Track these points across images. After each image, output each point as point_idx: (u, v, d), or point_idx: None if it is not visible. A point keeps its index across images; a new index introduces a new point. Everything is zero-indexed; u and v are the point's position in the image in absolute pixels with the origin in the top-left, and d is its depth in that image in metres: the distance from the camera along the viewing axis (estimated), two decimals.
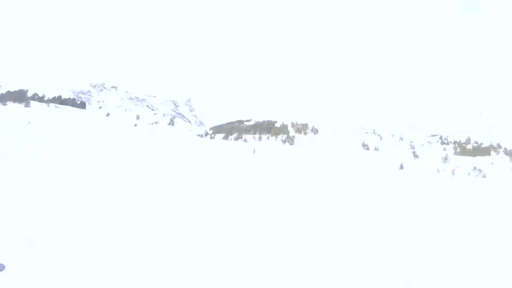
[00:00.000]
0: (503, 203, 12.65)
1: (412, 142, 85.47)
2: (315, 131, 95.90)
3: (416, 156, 63.74)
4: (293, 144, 66.27)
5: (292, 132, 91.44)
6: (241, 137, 76.18)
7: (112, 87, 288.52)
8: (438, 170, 48.64)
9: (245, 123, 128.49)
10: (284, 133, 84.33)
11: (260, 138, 74.70)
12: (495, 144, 77.89)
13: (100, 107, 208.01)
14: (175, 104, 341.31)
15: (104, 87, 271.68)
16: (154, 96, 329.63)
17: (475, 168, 54.69)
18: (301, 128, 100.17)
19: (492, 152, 74.44)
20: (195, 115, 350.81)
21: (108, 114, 75.32)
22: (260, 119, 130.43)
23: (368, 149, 69.03)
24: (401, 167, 48.03)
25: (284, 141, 69.95)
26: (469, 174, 50.06)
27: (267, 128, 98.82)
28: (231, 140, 70.68)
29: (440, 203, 11.41)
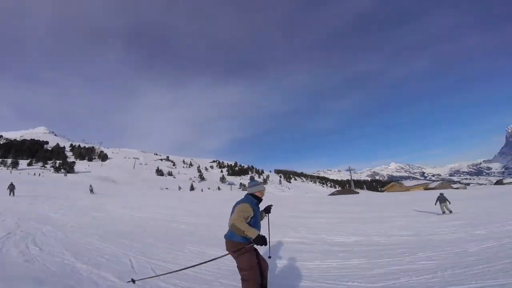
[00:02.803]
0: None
1: (199, 166, 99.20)
2: (103, 156, 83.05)
3: (202, 178, 74.53)
4: (73, 171, 53.06)
5: (71, 158, 73.46)
6: None
7: None
8: (219, 188, 59.97)
9: None
10: (60, 159, 65.31)
11: (16, 165, 52.23)
12: (251, 166, 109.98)
13: None
14: None
15: None
16: None
17: (241, 184, 73.69)
18: (86, 153, 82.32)
19: (249, 171, 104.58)
20: None
21: None
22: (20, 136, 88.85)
23: (162, 174, 71.09)
24: (191, 188, 54.10)
25: (58, 168, 54.03)
26: (239, 188, 66.87)
27: (30, 150, 71.17)
28: None
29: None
